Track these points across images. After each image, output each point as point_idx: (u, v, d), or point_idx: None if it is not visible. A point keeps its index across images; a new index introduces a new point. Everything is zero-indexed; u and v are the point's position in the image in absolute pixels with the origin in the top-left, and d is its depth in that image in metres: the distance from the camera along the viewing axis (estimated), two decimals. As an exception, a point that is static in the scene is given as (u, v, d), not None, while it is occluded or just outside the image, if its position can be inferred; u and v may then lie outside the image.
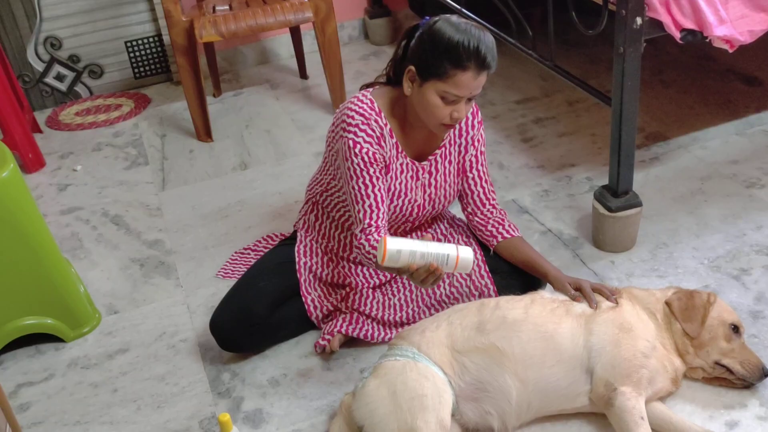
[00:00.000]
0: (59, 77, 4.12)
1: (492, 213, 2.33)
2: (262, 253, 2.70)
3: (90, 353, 2.46)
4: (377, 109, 2.13)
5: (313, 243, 2.41)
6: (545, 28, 2.74)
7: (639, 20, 2.21)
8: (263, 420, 2.13)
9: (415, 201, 2.26)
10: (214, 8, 3.58)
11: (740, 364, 2.00)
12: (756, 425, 1.95)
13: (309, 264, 2.37)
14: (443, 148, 2.26)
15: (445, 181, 2.29)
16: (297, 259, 2.36)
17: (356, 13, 4.47)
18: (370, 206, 2.11)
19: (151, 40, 4.19)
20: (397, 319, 2.32)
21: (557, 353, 1.94)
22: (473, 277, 2.31)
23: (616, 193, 2.51)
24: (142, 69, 4.25)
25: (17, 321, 2.43)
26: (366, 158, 2.10)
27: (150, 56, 4.23)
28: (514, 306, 2.02)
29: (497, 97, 3.67)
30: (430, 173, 2.25)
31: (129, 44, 4.17)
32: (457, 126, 2.24)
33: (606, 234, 2.57)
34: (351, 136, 2.10)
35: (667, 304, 2.07)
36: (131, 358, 2.42)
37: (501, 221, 2.32)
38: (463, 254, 1.91)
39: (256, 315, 2.24)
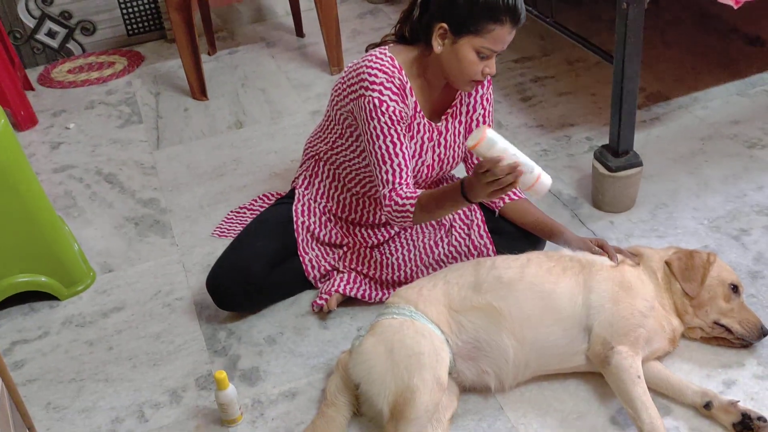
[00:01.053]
0: (51, 34, 4.04)
1: None
2: (258, 212, 2.68)
3: (85, 311, 2.44)
4: (398, 66, 2.07)
5: (311, 202, 2.37)
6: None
7: (643, -25, 2.17)
8: (260, 378, 2.13)
9: (425, 161, 2.22)
10: (208, -37, 3.51)
11: (739, 323, 2.00)
12: (753, 384, 1.95)
13: (307, 224, 2.35)
14: (454, 108, 2.22)
15: (455, 141, 2.25)
16: (295, 219, 2.34)
17: (353, -30, 4.39)
18: (399, 165, 2.05)
19: (144, -4, 4.12)
20: (395, 278, 2.30)
21: (555, 312, 1.93)
22: (472, 237, 2.29)
23: (617, 153, 2.49)
24: (135, 26, 4.18)
25: (11, 279, 2.41)
26: (393, 117, 2.05)
27: (143, 13, 4.16)
28: (510, 266, 2.01)
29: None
30: (440, 133, 2.21)
31: (122, 0, 4.09)
32: None
33: (605, 194, 2.55)
34: (376, 94, 2.04)
35: (667, 263, 2.05)
36: (126, 317, 2.40)
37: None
38: (544, 177, 1.88)
39: (254, 275, 2.22)
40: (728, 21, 3.61)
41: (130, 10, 4.12)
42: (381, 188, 2.07)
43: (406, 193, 2.04)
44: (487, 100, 2.25)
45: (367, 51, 2.21)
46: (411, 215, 2.03)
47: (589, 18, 3.80)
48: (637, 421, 1.79)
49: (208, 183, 2.99)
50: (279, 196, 2.71)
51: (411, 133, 2.14)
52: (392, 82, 2.05)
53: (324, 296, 2.28)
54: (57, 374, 2.22)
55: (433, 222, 2.38)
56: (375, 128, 2.05)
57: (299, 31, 4.10)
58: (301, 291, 2.38)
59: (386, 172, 2.06)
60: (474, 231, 2.29)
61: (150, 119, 3.48)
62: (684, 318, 2.03)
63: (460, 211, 2.34)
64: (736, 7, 2.32)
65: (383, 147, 2.05)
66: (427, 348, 1.88)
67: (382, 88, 2.04)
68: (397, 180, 2.05)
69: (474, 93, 2.22)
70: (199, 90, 3.58)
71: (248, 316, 2.33)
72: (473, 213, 2.33)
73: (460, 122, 2.24)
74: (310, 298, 2.36)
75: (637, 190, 2.57)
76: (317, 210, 2.37)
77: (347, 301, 2.31)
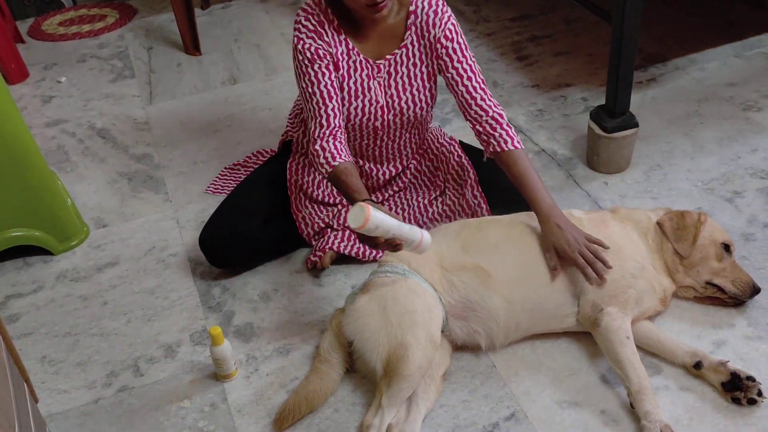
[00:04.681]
0: (41, -15, 3.98)
1: (482, 115, 2.09)
2: (251, 169, 2.67)
3: (78, 266, 2.44)
4: (323, 5, 2.04)
5: (305, 161, 2.36)
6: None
7: (645, -68, 2.14)
8: (254, 334, 2.14)
9: (377, 102, 2.15)
10: None
11: (731, 282, 2.01)
12: (743, 344, 1.97)
13: (300, 183, 2.34)
14: (404, 48, 2.12)
15: (411, 84, 2.16)
16: (288, 176, 2.33)
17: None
18: (317, 103, 2.04)
19: (136, -53, 4.05)
20: (389, 236, 2.30)
21: (542, 275, 1.95)
22: (466, 196, 2.28)
23: (613, 113, 2.48)
24: (126, -22, 4.12)
25: (4, 233, 2.40)
26: (309, 53, 2.03)
27: (135, -35, 4.09)
28: (495, 227, 2.02)
29: (492, 14, 3.58)
30: (389, 74, 2.14)
31: (113, -48, 4.03)
32: (419, 25, 2.09)
33: (600, 154, 2.54)
34: (295, 33, 2.05)
35: (659, 224, 2.06)
36: (120, 272, 2.40)
37: (494, 127, 2.08)
38: (425, 241, 1.81)
39: (247, 232, 2.22)
40: (728, -19, 3.58)
41: (122, -39, 4.06)
42: (309, 125, 2.07)
43: (329, 152, 1.99)
44: (445, 37, 2.09)
45: None
46: (324, 175, 2.01)
47: (588, -24, 3.76)
48: (626, 381, 1.82)
49: (202, 139, 2.97)
50: (273, 153, 2.70)
51: (342, 72, 2.09)
52: (309, 20, 2.04)
53: (318, 253, 2.29)
54: (51, 328, 2.22)
55: (427, 182, 2.38)
56: (296, 67, 2.07)
57: (294, -14, 4.04)
58: (296, 248, 2.39)
59: (309, 111, 2.06)
60: (468, 191, 2.29)
61: (142, 74, 3.44)
62: (675, 278, 2.04)
63: (453, 172, 2.34)
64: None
65: (303, 86, 2.06)
66: (420, 306, 1.90)
67: (300, 26, 2.05)
68: (319, 119, 2.03)
69: (427, 33, 2.09)
70: (192, 45, 3.54)
71: (242, 272, 2.33)
72: (466, 173, 2.31)
73: (415, 64, 2.13)
74: (304, 255, 2.37)
75: (632, 151, 2.57)
76: (311, 168, 2.35)
77: (341, 259, 2.32)
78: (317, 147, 2.01)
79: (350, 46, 2.08)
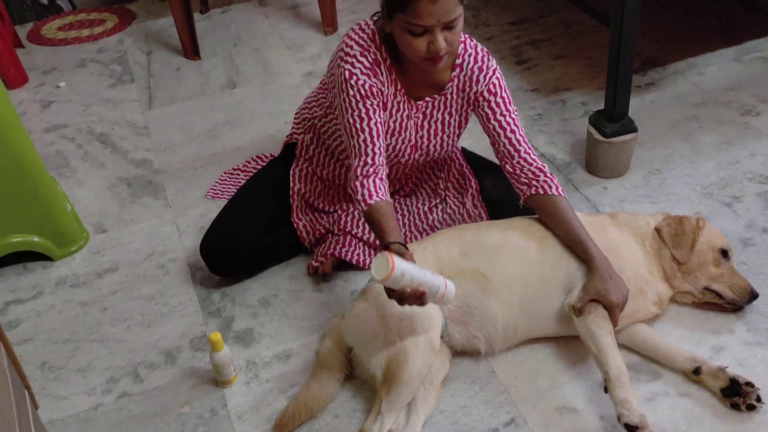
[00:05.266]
0: (40, -10, 3.98)
1: (524, 166, 2.07)
2: (251, 174, 2.67)
3: (78, 272, 2.44)
4: (378, 42, 2.01)
5: (309, 169, 2.36)
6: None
7: (643, -62, 2.14)
8: (254, 339, 2.14)
9: (409, 141, 2.17)
10: None
11: (729, 288, 2.02)
12: (743, 350, 1.97)
13: (303, 191, 2.34)
14: (444, 97, 2.12)
15: (443, 129, 2.17)
16: (291, 184, 2.33)
17: (348, -73, 4.31)
18: (365, 141, 2.00)
19: (135, -48, 4.05)
20: (389, 242, 2.30)
21: (540, 278, 1.95)
22: (467, 206, 2.28)
23: (612, 118, 2.48)
24: (126, -17, 4.12)
25: (4, 238, 2.40)
26: (363, 90, 1.99)
27: (134, -31, 4.10)
28: (494, 232, 2.02)
29: (491, 18, 3.59)
30: (424, 115, 2.14)
31: (112, -44, 4.03)
32: (462, 78, 2.09)
33: (600, 159, 2.55)
34: (348, 66, 1.99)
35: (657, 230, 2.07)
36: (120, 277, 2.40)
37: (537, 175, 2.05)
38: (449, 290, 1.78)
39: (248, 240, 2.22)
40: (726, -15, 3.59)
41: (121, -34, 4.06)
42: (350, 161, 2.04)
43: (367, 189, 1.97)
44: (489, 91, 2.09)
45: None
46: (360, 211, 2.00)
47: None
48: (604, 366, 1.81)
49: (202, 144, 2.97)
50: (272, 158, 2.70)
51: (390, 112, 2.08)
52: (366, 56, 1.99)
53: (320, 259, 2.29)
54: (51, 334, 2.22)
55: (429, 190, 2.38)
56: (344, 100, 2.00)
57: (293, -10, 4.04)
58: (295, 255, 2.39)
59: (353, 146, 2.01)
60: (468, 200, 2.29)
61: (142, 78, 3.44)
62: (673, 283, 2.05)
63: (453, 180, 2.34)
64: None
65: (351, 121, 2.00)
66: (419, 311, 1.89)
67: (354, 60, 1.99)
68: (363, 156, 1.99)
69: (468, 89, 2.10)
70: (191, 49, 3.54)
71: (242, 278, 2.33)
72: (468, 182, 2.32)
73: (450, 114, 2.14)
74: (304, 261, 2.37)
75: (631, 156, 2.57)
76: (314, 178, 2.36)
77: (341, 265, 2.32)
78: (357, 183, 1.99)
79: (398, 86, 2.07)
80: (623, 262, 1.97)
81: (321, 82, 2.28)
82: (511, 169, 2.09)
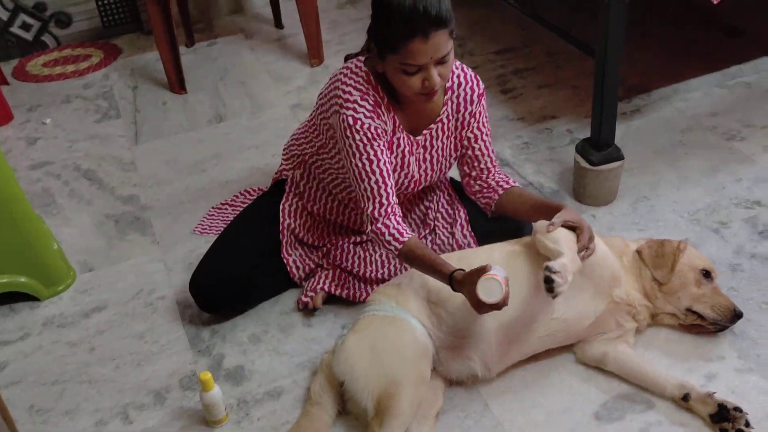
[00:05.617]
0: (25, 26, 3.98)
1: (495, 179, 2.20)
2: (239, 208, 2.66)
3: (66, 311, 2.42)
4: (374, 83, 2.01)
5: (299, 204, 2.35)
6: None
7: (624, -31, 2.17)
8: (244, 377, 2.12)
9: (412, 177, 2.18)
10: (185, -46, 3.46)
11: (711, 308, 2.02)
12: (734, 377, 1.97)
13: (293, 226, 2.33)
14: (440, 123, 2.14)
15: (442, 155, 2.20)
16: (282, 219, 2.32)
17: (332, -40, 4.35)
18: (377, 182, 2.00)
19: (120, -13, 4.06)
20: (379, 275, 2.30)
21: (531, 292, 1.95)
22: (456, 236, 2.28)
23: (598, 146, 2.49)
24: (111, 18, 4.12)
25: (-10, 280, 2.38)
26: (369, 134, 1.99)
27: (119, 5, 4.10)
28: (478, 255, 2.04)
29: (476, 48, 3.61)
30: (425, 148, 2.15)
31: (97, -8, 4.04)
32: (456, 101, 2.12)
33: (587, 187, 2.56)
34: (350, 112, 1.98)
35: (638, 251, 2.09)
36: (108, 316, 2.38)
37: (499, 183, 2.19)
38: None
39: (238, 276, 2.21)
40: (707, 12, 3.62)
41: (106, 1, 4.06)
42: (363, 204, 2.03)
43: (393, 228, 1.98)
44: (479, 112, 2.15)
45: (345, 60, 2.16)
46: (395, 253, 2.00)
47: (570, 8, 3.79)
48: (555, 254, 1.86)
49: (189, 178, 2.96)
50: (261, 192, 2.69)
51: (391, 148, 2.09)
52: (366, 100, 1.99)
53: (309, 293, 2.28)
54: (39, 376, 2.20)
55: (417, 221, 2.38)
56: (351, 146, 2.00)
57: (278, 23, 4.06)
58: (286, 290, 2.37)
59: (365, 190, 2.01)
60: (458, 230, 2.29)
61: (128, 114, 3.44)
62: (656, 304, 2.06)
63: (442, 209, 2.34)
64: (715, 2, 2.33)
65: (360, 164, 2.00)
66: (410, 343, 1.91)
67: (356, 105, 1.99)
68: (378, 198, 2.00)
69: (463, 109, 2.13)
70: (177, 83, 3.55)
71: (232, 314, 2.31)
72: (457, 212, 2.32)
73: (447, 138, 2.17)
74: (293, 296, 2.36)
75: (619, 184, 2.58)
76: (304, 213, 2.35)
77: (332, 299, 2.31)
78: (380, 225, 2.00)
79: (397, 123, 2.07)
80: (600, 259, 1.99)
81: (308, 119, 2.28)
82: (480, 185, 2.20)
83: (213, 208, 2.76)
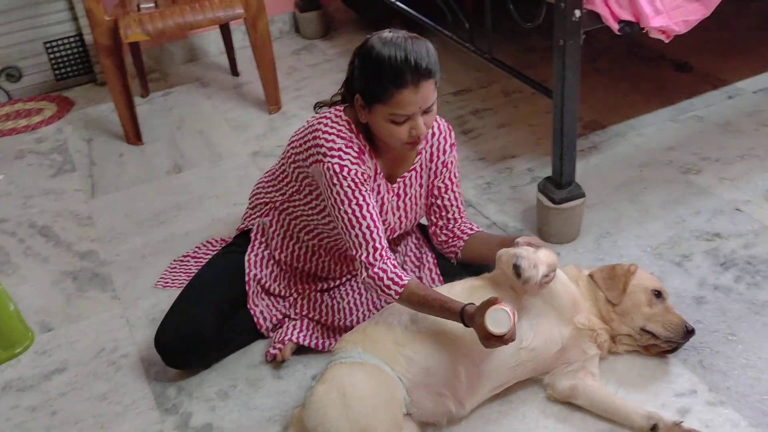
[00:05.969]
0: (-25, 81, 3.91)
1: (461, 227, 2.24)
2: (202, 260, 2.62)
3: (25, 374, 2.33)
4: (355, 131, 2.02)
5: (265, 253, 2.32)
6: (478, 17, 2.72)
7: (578, 13, 2.21)
8: (214, 435, 2.06)
9: (389, 224, 2.18)
10: (138, 6, 3.44)
11: (663, 326, 2.06)
12: (707, 411, 1.98)
13: (259, 276, 2.30)
14: (414, 171, 2.16)
15: (415, 203, 2.21)
16: (247, 270, 2.28)
17: (286, 6, 4.38)
18: (368, 227, 1.98)
19: (71, 40, 4.01)
20: (348, 323, 2.27)
21: None
22: (424, 280, 2.28)
23: (560, 185, 2.52)
24: (63, 70, 4.07)
25: (-57, 345, 2.29)
26: (357, 179, 1.98)
27: (71, 57, 4.06)
28: (439, 289, 2.05)
29: (433, 90, 3.64)
30: (398, 195, 2.17)
31: (48, 45, 3.98)
32: (429, 150, 2.16)
33: (551, 225, 2.57)
34: (335, 160, 1.97)
35: (590, 275, 2.16)
36: (69, 378, 2.31)
37: (464, 231, 2.23)
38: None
39: (205, 331, 2.16)
40: (656, 48, 3.72)
41: (58, 54, 4.02)
42: (354, 252, 2.00)
43: (391, 272, 1.96)
44: (451, 162, 2.19)
45: (315, 109, 2.18)
46: (394, 298, 1.96)
47: (524, 50, 3.87)
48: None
49: (149, 231, 2.91)
50: (224, 242, 2.66)
51: (374, 193, 2.10)
52: (351, 147, 2.00)
53: (277, 345, 2.24)
54: (-2, 445, 2.12)
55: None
56: (338, 193, 1.98)
57: (234, 70, 4.05)
58: (253, 342, 2.33)
59: (356, 236, 1.98)
60: (426, 274, 2.28)
61: (83, 167, 3.38)
62: (612, 326, 2.10)
63: (410, 253, 2.34)
64: (667, 41, 2.39)
65: (349, 211, 1.98)
66: (380, 388, 1.89)
67: (341, 153, 1.99)
68: (371, 243, 1.97)
69: (436, 159, 2.17)
70: (133, 134, 3.50)
71: (198, 370, 2.26)
72: (425, 255, 2.32)
73: (420, 185, 2.20)
74: (261, 348, 2.31)
75: (581, 221, 2.60)
76: (270, 262, 2.32)
77: (300, 349, 2.27)
78: (376, 270, 1.96)
79: (378, 170, 2.09)
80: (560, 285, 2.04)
81: (276, 166, 2.27)
82: (445, 237, 2.24)
83: (175, 260, 2.71)
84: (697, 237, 2.55)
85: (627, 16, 2.31)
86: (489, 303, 1.77)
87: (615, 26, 2.31)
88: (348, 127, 2.02)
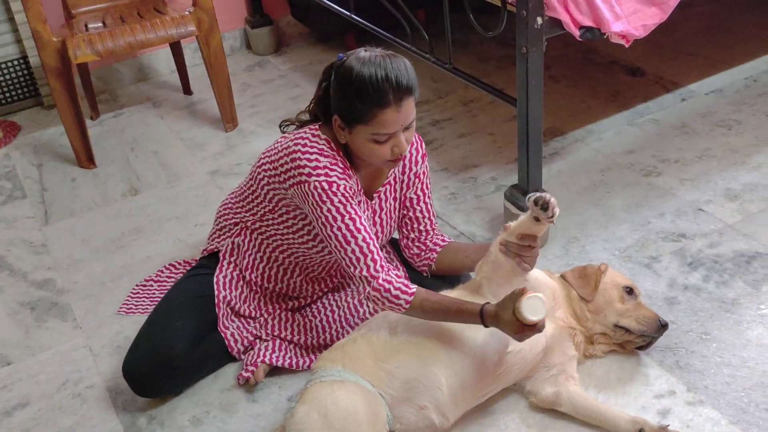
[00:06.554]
0: None
1: (433, 240, 2.25)
2: (166, 284, 2.55)
3: (-16, 412, 2.23)
4: (335, 148, 1.99)
5: (234, 274, 2.27)
6: (431, 27, 2.71)
7: (540, 20, 2.22)
8: (190, 465, 2.00)
9: None
10: (86, 26, 3.36)
11: (636, 320, 2.08)
12: (687, 411, 1.99)
13: (228, 298, 2.24)
14: (388, 185, 2.15)
15: (390, 217, 2.19)
16: (216, 292, 2.22)
17: (237, 23, 4.32)
18: (364, 240, 1.93)
19: (16, 62, 3.90)
20: (321, 342, 2.23)
21: (475, 328, 1.93)
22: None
23: (527, 193, 2.51)
24: (8, 94, 3.94)
25: None
26: (346, 194, 1.94)
27: (16, 80, 3.93)
28: None
29: (391, 102, 3.63)
30: (374, 211, 2.15)
31: (-9, 68, 3.86)
32: (402, 162, 2.14)
33: (519, 233, 2.56)
34: (322, 178, 1.93)
35: (562, 276, 2.18)
36: (33, 413, 2.21)
37: (437, 243, 2.24)
38: None
39: (176, 357, 2.09)
40: (609, 53, 3.77)
41: (2, 78, 3.89)
42: (353, 269, 1.94)
43: (398, 282, 1.91)
44: (423, 173, 2.19)
45: (281, 128, 2.15)
46: (404, 310, 1.92)
47: (479, 59, 3.88)
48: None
49: (108, 257, 2.82)
50: (188, 265, 2.59)
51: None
52: (336, 164, 1.96)
53: (250, 368, 2.18)
54: (-40, 488, 2.01)
55: (354, 280, 2.33)
56: (330, 210, 1.94)
57: (186, 89, 3.98)
58: (225, 365, 2.27)
59: (352, 252, 1.93)
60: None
61: (35, 193, 3.27)
62: (586, 325, 2.11)
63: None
64: (627, 46, 2.41)
65: (342, 227, 1.94)
66: (362, 406, 1.85)
67: (327, 170, 1.95)
68: (370, 255, 1.93)
69: (408, 170, 2.16)
70: (85, 157, 3.41)
71: (169, 397, 2.19)
72: (398, 270, 2.29)
73: (395, 198, 2.19)
74: (234, 371, 2.25)
75: (549, 227, 2.60)
76: (240, 283, 2.26)
77: (275, 370, 2.22)
78: (381, 282, 1.91)
79: (359, 186, 2.05)
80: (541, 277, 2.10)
81: (244, 187, 2.23)
82: (417, 250, 2.24)
83: (137, 285, 2.63)
84: (663, 238, 2.58)
85: (588, 22, 2.32)
86: (515, 296, 1.76)
87: (576, 32, 2.32)
88: (329, 145, 1.99)
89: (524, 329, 1.77)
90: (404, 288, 1.91)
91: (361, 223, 1.95)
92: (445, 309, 1.88)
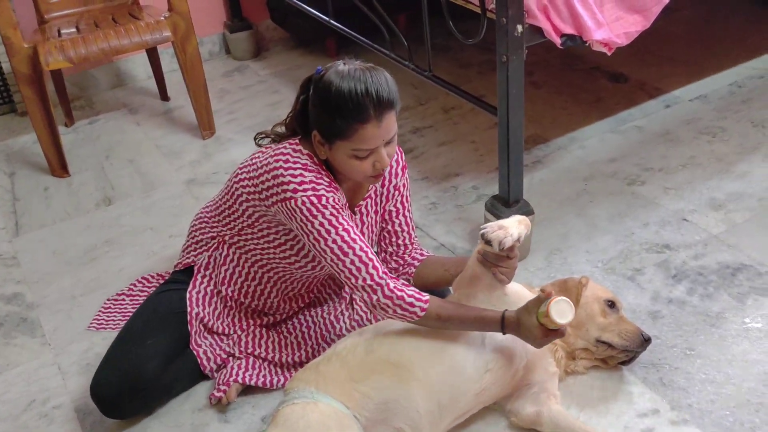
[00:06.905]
0: None
1: (411, 254, 2.19)
2: (139, 298, 2.48)
3: (-53, 434, 2.16)
4: (318, 163, 1.93)
5: (208, 289, 2.20)
6: (412, 32, 2.66)
7: (520, 28, 2.16)
8: (159, 489, 1.93)
9: None
10: (59, 32, 3.28)
11: (618, 335, 2.04)
12: (671, 430, 1.94)
13: (201, 315, 2.17)
14: (369, 199, 2.10)
15: (372, 231, 2.14)
16: (189, 309, 2.15)
17: (215, 27, 4.25)
18: (362, 249, 1.86)
19: (-12, 68, 3.82)
20: (296, 359, 2.17)
21: (452, 346, 1.91)
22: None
23: (508, 203, 2.46)
24: (-20, 101, 3.87)
25: None
26: (336, 206, 1.88)
27: (-11, 86, 3.86)
28: (391, 322, 1.97)
29: (371, 108, 3.57)
30: (357, 224, 2.08)
31: (-37, 74, 3.78)
32: (383, 173, 2.06)
33: (500, 245, 2.51)
34: (310, 192, 1.86)
35: (542, 290, 2.08)
36: (-3, 435, 2.14)
37: (416, 257, 2.18)
38: None
39: (146, 376, 2.02)
40: (591, 60, 3.73)
41: (-26, 84, 3.81)
42: (354, 280, 1.86)
43: (410, 289, 1.85)
44: (403, 185, 2.14)
45: (256, 140, 2.08)
46: (418, 318, 1.85)
47: (460, 65, 3.83)
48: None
49: (79, 270, 2.74)
50: (162, 278, 2.52)
51: None
52: (321, 178, 1.90)
53: (222, 387, 2.11)
54: None
55: (333, 294, 2.27)
56: (322, 224, 1.86)
57: (163, 95, 3.91)
58: (197, 383, 2.20)
59: (351, 263, 1.85)
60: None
61: (6, 203, 3.19)
62: (568, 341, 2.07)
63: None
64: (609, 54, 2.36)
65: (337, 239, 1.86)
66: (336, 429, 1.79)
67: (314, 185, 1.88)
68: (369, 265, 1.86)
69: (388, 183, 2.11)
70: (59, 166, 3.33)
71: (140, 418, 2.11)
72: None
73: (376, 212, 2.14)
74: (205, 390, 2.18)
75: (531, 239, 2.55)
76: (214, 299, 2.19)
77: (248, 388, 2.15)
78: (392, 289, 1.84)
79: (344, 200, 1.98)
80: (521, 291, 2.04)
81: (219, 201, 2.16)
82: (395, 264, 2.17)
83: (109, 299, 2.55)
84: (647, 250, 2.53)
85: (569, 30, 2.28)
86: (540, 300, 1.76)
87: (557, 40, 2.28)
88: (311, 160, 1.93)
89: (549, 334, 1.77)
90: (417, 295, 1.85)
91: (355, 233, 1.89)
92: (463, 317, 1.85)
